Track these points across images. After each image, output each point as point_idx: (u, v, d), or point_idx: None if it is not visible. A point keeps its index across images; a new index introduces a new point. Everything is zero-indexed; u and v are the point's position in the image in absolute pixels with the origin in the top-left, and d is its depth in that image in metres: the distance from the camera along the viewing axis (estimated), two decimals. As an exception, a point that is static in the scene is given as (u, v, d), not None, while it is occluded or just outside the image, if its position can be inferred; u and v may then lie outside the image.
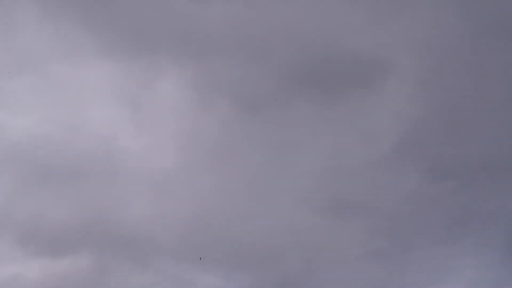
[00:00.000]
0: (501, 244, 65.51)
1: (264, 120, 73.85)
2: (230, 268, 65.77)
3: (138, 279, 63.54)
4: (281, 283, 65.18)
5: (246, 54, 75.00)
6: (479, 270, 64.54)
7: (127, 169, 68.08)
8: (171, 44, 75.29)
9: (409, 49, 73.85)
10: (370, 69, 73.66)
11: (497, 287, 63.74)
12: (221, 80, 74.91)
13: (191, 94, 73.90)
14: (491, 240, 65.53)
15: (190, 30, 74.54)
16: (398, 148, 70.93)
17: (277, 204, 69.46)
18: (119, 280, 63.47)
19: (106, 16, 71.83)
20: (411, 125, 71.69)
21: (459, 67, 73.30)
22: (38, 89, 69.98)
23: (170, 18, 72.83)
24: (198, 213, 67.04)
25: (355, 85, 74.62)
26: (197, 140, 72.44)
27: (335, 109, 74.50)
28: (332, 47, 73.55)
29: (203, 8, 72.26)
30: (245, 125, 74.12)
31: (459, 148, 70.66)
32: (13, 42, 69.70)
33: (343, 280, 65.14)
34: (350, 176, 71.04)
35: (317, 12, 73.25)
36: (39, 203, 65.65)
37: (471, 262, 65.04)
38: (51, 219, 64.91)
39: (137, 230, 65.17)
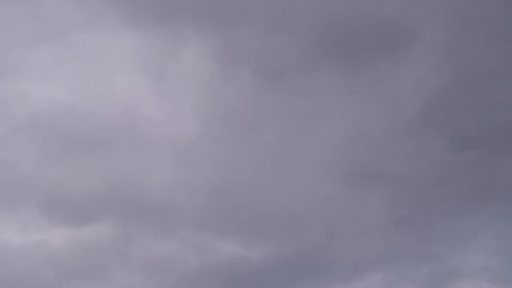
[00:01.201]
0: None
1: (287, 89, 72.42)
2: (252, 236, 65.21)
3: (161, 247, 63.34)
4: (302, 251, 64.52)
5: (269, 23, 73.14)
6: (501, 239, 63.30)
7: (150, 137, 67.32)
8: (194, 13, 73.68)
9: (435, 17, 71.22)
10: (395, 37, 71.45)
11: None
12: (244, 49, 73.35)
13: (214, 63, 72.57)
14: (513, 209, 63.93)
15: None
16: (422, 116, 69.13)
17: (299, 173, 68.45)
18: (142, 248, 63.33)
19: (129, -16, 70.61)
20: (435, 94, 69.61)
21: (486, 35, 70.74)
22: (61, 58, 69.15)
23: (193, -14, 71.36)
24: (220, 181, 66.28)
25: (380, 53, 72.53)
26: (220, 109, 71.31)
27: (359, 78, 72.66)
28: (357, 15, 71.35)
29: (226, -24, 70.61)
30: (267, 94, 72.76)
31: (483, 117, 68.76)
32: (37, 12, 68.83)
33: (364, 249, 64.30)
34: (372, 145, 69.56)
35: (341, -20, 71.06)
36: (62, 171, 65.37)
37: (493, 232, 63.91)
38: (75, 187, 64.59)
39: (160, 198, 64.68)
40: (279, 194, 66.48)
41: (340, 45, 73.91)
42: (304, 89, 74.39)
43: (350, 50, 73.99)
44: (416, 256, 64.88)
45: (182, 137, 69.85)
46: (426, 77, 72.53)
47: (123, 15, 71.57)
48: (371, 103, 73.79)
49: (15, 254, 60.50)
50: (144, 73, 71.96)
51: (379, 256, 64.83)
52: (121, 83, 70.63)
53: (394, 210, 67.47)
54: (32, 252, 60.70)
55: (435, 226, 66.37)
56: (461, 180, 69.02)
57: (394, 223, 66.90)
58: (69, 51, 71.12)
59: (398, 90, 73.66)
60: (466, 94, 72.30)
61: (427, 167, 70.46)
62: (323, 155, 70.73)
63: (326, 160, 70.05)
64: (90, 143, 67.57)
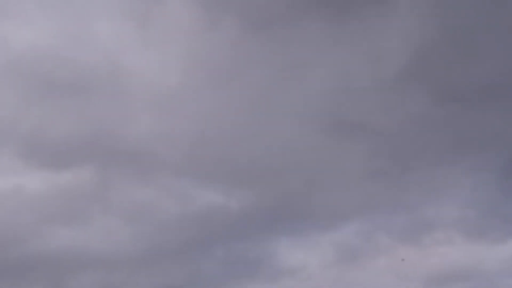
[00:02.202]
0: (498, 166, 64.08)
1: (272, 39, 70.99)
2: (232, 185, 64.88)
3: (140, 194, 62.92)
4: (282, 200, 64.43)
5: (255, -28, 71.37)
6: (475, 191, 63.50)
7: (132, 84, 66.16)
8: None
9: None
10: (383, -12, 69.92)
11: (491, 208, 62.81)
12: (230, -2, 71.62)
13: (199, 11, 70.78)
14: (489, 162, 63.93)
15: None
16: (406, 69, 68.18)
17: (281, 124, 67.77)
18: (121, 194, 62.93)
19: None
20: (420, 47, 68.52)
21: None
22: (43, 1, 67.15)
23: None
24: (202, 131, 65.53)
25: (368, 4, 70.95)
26: (204, 59, 69.97)
27: (345, 28, 71.25)
28: (344, -35, 69.65)
29: None
30: (253, 44, 71.36)
31: (465, 72, 68.02)
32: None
33: (342, 199, 64.20)
34: (356, 97, 68.79)
35: None
36: (42, 116, 64.34)
37: (468, 183, 64.00)
38: (54, 132, 63.68)
39: (141, 146, 63.96)
40: (260, 144, 65.86)
41: (326, -5, 72.45)
42: (289, 38, 72.80)
43: (337, 1, 72.42)
44: (393, 206, 65.05)
45: (165, 85, 68.55)
46: (411, 30, 71.11)
47: (106, -41, 69.51)
48: (356, 54, 72.49)
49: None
50: (127, 18, 70.07)
51: (356, 206, 64.88)
52: (103, 28, 68.77)
53: (373, 161, 67.21)
54: (9, 196, 60.03)
55: (413, 177, 66.31)
56: (440, 133, 68.65)
57: (372, 174, 66.77)
58: (50, -5, 69.10)
59: (383, 43, 72.31)
60: (451, 49, 71.13)
61: (408, 120, 69.86)
62: (306, 106, 69.84)
63: (309, 111, 69.21)
64: (71, 89, 66.24)
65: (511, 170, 64.65)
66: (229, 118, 67.04)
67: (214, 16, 71.23)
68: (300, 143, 65.87)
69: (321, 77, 69.24)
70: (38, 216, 61.09)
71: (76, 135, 63.72)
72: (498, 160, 63.83)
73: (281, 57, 70.56)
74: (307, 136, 66.57)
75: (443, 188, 64.40)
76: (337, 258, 62.94)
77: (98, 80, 65.50)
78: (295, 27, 71.09)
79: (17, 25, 66.16)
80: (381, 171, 65.56)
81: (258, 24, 71.55)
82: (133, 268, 60.51)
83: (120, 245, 60.83)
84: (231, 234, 63.14)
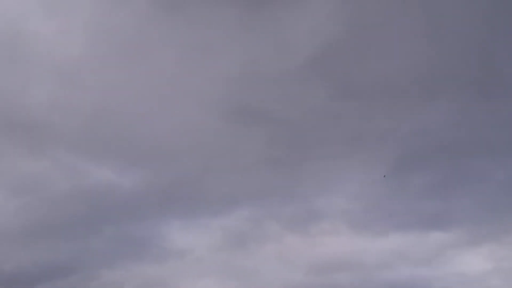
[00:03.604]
0: (387, 163, 65.69)
1: (183, 20, 69.50)
2: (126, 163, 63.41)
3: (29, 166, 60.24)
4: (175, 182, 63.51)
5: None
6: (365, 184, 64.83)
7: (32, 52, 62.98)
8: None
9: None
10: (295, -20, 69.80)
11: (377, 201, 64.43)
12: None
13: (111, -16, 68.09)
14: (379, 158, 65.39)
15: None
16: (310, 63, 68.55)
17: (183, 106, 66.81)
18: (9, 165, 59.99)
19: None
20: (327, 42, 68.95)
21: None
22: None
23: None
24: (101, 106, 63.48)
25: (280, -4, 70.59)
26: (111, 33, 67.56)
27: (256, 17, 70.68)
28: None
29: None
30: (163, 22, 69.56)
31: (365, 70, 69.14)
32: None
33: (236, 184, 64.12)
34: (259, 85, 68.56)
35: None
36: None
37: (358, 177, 65.22)
38: None
39: (35, 117, 61.33)
40: (159, 124, 64.61)
41: (241, -19, 71.54)
42: (200, 21, 71.54)
43: (251, -13, 71.73)
44: (284, 195, 65.55)
45: (68, 56, 65.76)
46: (320, 24, 71.53)
47: None
48: (264, 43, 72.19)
49: None
50: (32, -16, 66.63)
51: (249, 192, 64.94)
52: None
53: (270, 150, 67.38)
54: None
55: (306, 168, 67.00)
56: (337, 127, 69.67)
57: (268, 163, 66.96)
58: None
59: (292, 34, 72.31)
60: (355, 46, 72.08)
61: (309, 112, 70.46)
62: (209, 90, 68.99)
63: (212, 95, 68.43)
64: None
65: (399, 166, 66.50)
66: (130, 95, 65.30)
67: (126, -10, 68.87)
68: (200, 126, 65.21)
69: (228, 62, 68.61)
70: None
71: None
72: (387, 157, 65.48)
73: (190, 39, 69.42)
74: (207, 119, 65.97)
75: (333, 181, 65.58)
76: (226, 242, 62.99)
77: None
78: (207, 10, 69.92)
79: None
80: (277, 160, 65.96)
81: (172, 2, 69.83)
82: (17, 242, 58.02)
83: (3, 217, 58.10)
84: (122, 213, 61.82)
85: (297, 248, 62.48)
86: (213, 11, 71.32)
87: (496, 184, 64.43)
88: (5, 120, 60.32)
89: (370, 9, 71.01)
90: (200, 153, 64.94)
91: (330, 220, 64.38)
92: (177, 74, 67.21)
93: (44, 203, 60.16)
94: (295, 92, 70.59)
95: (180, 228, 62.77)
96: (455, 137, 66.01)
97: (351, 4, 71.38)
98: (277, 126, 67.98)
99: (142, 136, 63.90)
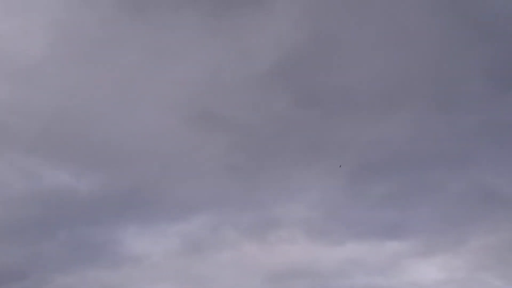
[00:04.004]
0: (348, 172, 66.01)
1: (148, 23, 68.78)
2: (83, 166, 62.28)
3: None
4: (133, 187, 62.60)
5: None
6: (324, 193, 64.99)
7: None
8: None
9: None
10: (262, -13, 69.78)
11: (335, 210, 64.68)
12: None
13: (74, -15, 67.04)
14: (339, 168, 65.56)
15: None
16: (274, 70, 68.57)
17: (144, 109, 66.05)
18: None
19: None
20: (291, 50, 69.11)
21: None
22: None
23: None
24: (60, 107, 62.23)
25: (244, 3, 70.58)
26: (74, 33, 66.45)
27: (221, 23, 70.42)
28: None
29: None
30: (126, 26, 68.80)
31: (329, 78, 69.55)
32: None
33: (196, 190, 63.63)
34: (222, 91, 68.25)
35: None
36: None
37: (317, 186, 65.31)
38: None
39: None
40: (119, 127, 63.73)
41: (207, -14, 71.22)
42: (165, 24, 70.94)
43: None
44: (243, 202, 65.24)
45: (27, 57, 64.44)
46: (285, 32, 71.67)
47: None
48: (228, 49, 71.97)
49: None
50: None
51: (208, 199, 64.46)
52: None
53: (230, 156, 67.07)
54: None
55: (266, 176, 66.91)
56: (298, 136, 69.78)
57: (228, 169, 66.65)
58: None
59: (256, 41, 72.27)
60: (319, 55, 72.46)
61: (270, 120, 70.43)
62: (171, 94, 68.38)
63: (173, 99, 67.84)
64: None
65: (358, 176, 66.90)
66: (90, 98, 64.26)
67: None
68: (160, 130, 64.61)
69: (190, 67, 68.18)
70: None
71: None
72: (347, 166, 65.81)
73: (154, 42, 68.89)
74: (168, 124, 65.40)
75: (293, 189, 65.58)
76: (183, 249, 62.37)
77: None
78: (172, 14, 69.47)
79: None
80: (236, 167, 65.77)
81: (136, 6, 69.11)
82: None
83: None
84: (77, 217, 60.67)
85: (255, 255, 62.29)
86: (178, 15, 70.88)
87: (452, 196, 65.46)
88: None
89: (335, 19, 71.62)
90: (160, 158, 64.33)
91: (288, 228, 64.42)
92: (139, 77, 66.54)
93: (-2, 205, 58.67)
94: (257, 99, 70.57)
95: (136, 233, 61.96)
96: (413, 148, 66.82)
97: (317, 14, 71.81)
98: (238, 133, 67.82)
99: (101, 139, 62.98)
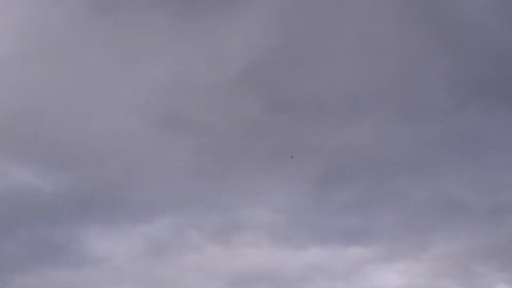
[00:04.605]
0: (314, 177, 66.22)
1: (117, 24, 68.23)
2: (49, 165, 61.20)
3: None
4: (97, 188, 61.83)
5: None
6: (289, 198, 65.04)
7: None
8: None
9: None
10: (234, -8, 69.79)
11: (300, 215, 64.87)
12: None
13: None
14: (306, 172, 65.88)
15: None
16: (243, 74, 68.55)
17: (110, 109, 65.39)
18: None
19: None
20: (259, 55, 69.21)
21: (317, 6, 71.31)
22: None
23: None
24: (24, 105, 61.20)
25: (215, 5, 70.42)
26: (40, 31, 65.57)
27: (191, 26, 70.14)
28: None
29: None
30: (95, 25, 68.09)
31: (298, 84, 69.89)
32: None
33: (160, 192, 63.07)
34: (190, 94, 67.98)
35: None
36: None
37: (282, 190, 65.39)
38: None
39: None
40: (86, 127, 63.07)
41: (177, -12, 70.93)
42: (134, 26, 70.46)
43: (188, -4, 71.23)
44: (208, 205, 64.93)
45: (-8, 52, 63.31)
46: (256, 37, 71.71)
47: None
48: (198, 51, 71.74)
49: None
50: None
51: (172, 201, 63.97)
52: None
53: (196, 159, 66.73)
54: None
55: (231, 179, 66.65)
56: (266, 140, 69.79)
57: (193, 172, 66.28)
58: None
59: (226, 44, 72.24)
60: (288, 61, 72.69)
61: (239, 124, 70.31)
62: (138, 95, 67.83)
63: (140, 100, 67.30)
64: None
65: (323, 181, 67.16)
66: (57, 97, 63.47)
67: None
68: (126, 131, 64.04)
69: (158, 69, 67.89)
70: None
71: None
72: (312, 172, 66.04)
73: (121, 43, 68.36)
74: (134, 125, 64.97)
75: (258, 193, 65.48)
76: (146, 251, 61.70)
77: None
78: (141, 15, 69.05)
79: None
80: (202, 169, 65.46)
81: (105, 6, 68.50)
82: None
83: None
84: (39, 216, 59.60)
85: (218, 259, 61.98)
86: (147, 16, 70.47)
87: (415, 203, 66.11)
88: None
89: (305, 25, 72.00)
90: (126, 159, 63.73)
91: (252, 232, 64.28)
92: (106, 77, 65.96)
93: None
94: (225, 103, 70.46)
95: (99, 234, 61.11)
96: (378, 156, 67.37)
97: (287, 19, 72.11)
98: (204, 136, 67.60)
99: (65, 138, 62.15)
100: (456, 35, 65.46)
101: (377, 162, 67.54)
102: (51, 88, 63.30)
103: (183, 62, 68.88)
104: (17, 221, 58.72)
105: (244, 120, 69.17)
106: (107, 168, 63.11)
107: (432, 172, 67.55)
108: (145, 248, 61.82)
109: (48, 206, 60.16)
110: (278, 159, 67.73)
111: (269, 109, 70.90)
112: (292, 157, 62.48)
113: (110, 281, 58.87)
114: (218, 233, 63.51)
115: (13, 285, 56.29)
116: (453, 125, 67.30)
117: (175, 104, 67.62)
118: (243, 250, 63.08)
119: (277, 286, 60.96)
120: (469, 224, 63.77)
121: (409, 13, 66.55)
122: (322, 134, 68.32)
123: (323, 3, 72.12)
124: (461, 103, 66.88)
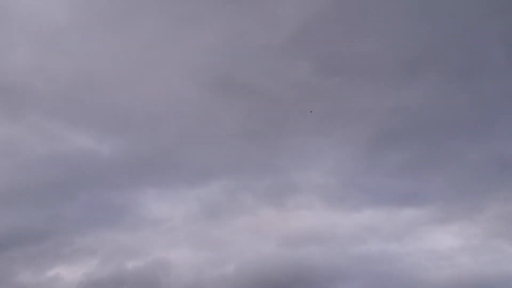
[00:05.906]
0: (366, 140, 65.35)
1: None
2: (105, 130, 62.32)
3: (7, 129, 58.89)
4: (153, 152, 62.62)
5: None
6: (342, 160, 64.45)
7: (14, 16, 61.14)
8: None
9: None
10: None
11: (352, 177, 64.22)
12: None
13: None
14: (357, 136, 64.99)
15: None
16: (295, 37, 67.42)
17: (164, 75, 65.56)
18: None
19: None
20: (312, 17, 67.77)
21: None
22: None
23: None
24: (83, 72, 62.23)
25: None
26: (96, 0, 65.76)
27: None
28: None
29: None
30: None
31: (350, 47, 68.23)
32: None
33: (213, 155, 63.42)
34: (243, 57, 67.52)
35: None
36: None
37: (336, 153, 64.71)
38: None
39: (16, 80, 59.69)
40: (140, 93, 63.54)
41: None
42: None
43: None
44: (261, 168, 64.96)
45: (51, 22, 64.14)
46: (307, 1, 70.42)
47: None
48: (250, 15, 70.89)
49: None
50: None
51: (226, 164, 64.28)
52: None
53: (248, 122, 66.63)
54: None
55: (284, 142, 66.38)
56: (319, 103, 68.91)
57: (246, 135, 66.23)
58: None
59: (278, 7, 71.01)
60: (341, 23, 71.01)
61: (290, 87, 69.65)
62: (191, 59, 67.76)
63: (193, 65, 67.25)
64: None
65: (376, 144, 66.19)
66: (113, 63, 64.12)
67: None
68: (180, 96, 64.27)
69: (211, 33, 67.35)
70: None
71: None
72: (364, 135, 65.14)
73: (174, 8, 67.88)
74: (188, 89, 65.05)
75: (311, 155, 65.05)
76: (201, 213, 62.41)
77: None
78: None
79: None
80: (255, 133, 65.34)
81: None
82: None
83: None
84: (98, 180, 60.91)
85: (271, 220, 62.26)
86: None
87: (469, 164, 64.50)
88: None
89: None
90: (179, 123, 64.19)
91: (305, 194, 64.14)
92: (160, 43, 66.05)
93: (18, 167, 59.10)
94: (278, 66, 69.69)
95: (156, 197, 62.11)
96: (432, 117, 65.78)
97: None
98: (257, 99, 67.21)
99: (122, 104, 62.94)
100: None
101: (431, 124, 66.01)
102: (106, 56, 63.97)
103: (236, 26, 68.24)
104: (76, 185, 60.22)
105: (296, 83, 68.50)
106: (162, 132, 63.74)
107: (488, 133, 65.56)
108: (199, 210, 62.62)
109: (106, 170, 61.40)
110: (329, 122, 67.00)
111: (321, 71, 69.84)
112: (311, 111, 61.32)
113: (166, 241, 60.07)
114: (272, 195, 63.67)
115: (74, 246, 58.07)
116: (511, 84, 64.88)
117: (228, 68, 67.37)
118: (296, 212, 63.19)
119: (330, 247, 61.00)
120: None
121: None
122: (375, 95, 67.07)
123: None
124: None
